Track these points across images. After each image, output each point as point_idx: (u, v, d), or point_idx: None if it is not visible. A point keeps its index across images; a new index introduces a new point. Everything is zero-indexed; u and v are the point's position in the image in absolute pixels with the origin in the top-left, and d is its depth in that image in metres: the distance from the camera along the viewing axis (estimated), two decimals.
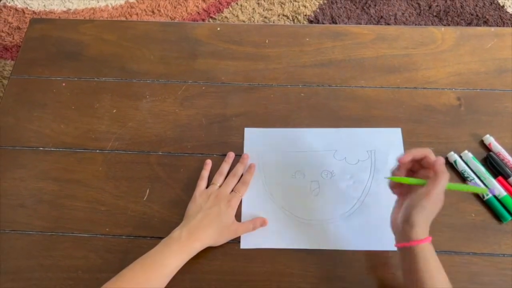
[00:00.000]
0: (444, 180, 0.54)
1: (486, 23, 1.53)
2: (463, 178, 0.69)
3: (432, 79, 0.79)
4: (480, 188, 0.62)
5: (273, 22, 1.57)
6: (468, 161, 0.70)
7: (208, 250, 0.64)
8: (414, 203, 0.54)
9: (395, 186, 0.60)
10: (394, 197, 0.67)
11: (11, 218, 0.68)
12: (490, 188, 0.61)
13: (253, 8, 1.61)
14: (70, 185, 0.71)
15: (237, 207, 0.67)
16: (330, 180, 0.70)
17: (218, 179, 0.69)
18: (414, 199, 0.55)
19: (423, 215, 0.54)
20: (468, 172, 0.69)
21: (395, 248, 0.63)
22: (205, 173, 0.70)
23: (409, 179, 0.57)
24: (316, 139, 0.74)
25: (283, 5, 1.62)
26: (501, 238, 0.65)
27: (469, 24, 1.54)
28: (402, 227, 0.55)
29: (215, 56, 0.83)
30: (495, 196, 0.67)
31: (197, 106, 0.78)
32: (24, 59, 0.84)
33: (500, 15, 1.55)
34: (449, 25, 1.53)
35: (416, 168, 0.60)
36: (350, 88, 0.79)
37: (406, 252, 0.55)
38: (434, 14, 1.57)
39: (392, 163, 0.71)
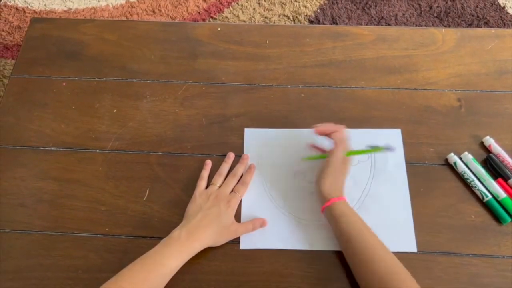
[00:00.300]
0: (340, 148, 0.64)
1: (487, 24, 1.53)
2: (463, 180, 0.69)
3: (432, 80, 0.79)
4: (376, 148, 0.65)
5: (274, 22, 1.57)
6: (468, 162, 0.70)
7: (207, 251, 0.64)
8: (318, 173, 0.66)
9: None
10: (393, 198, 0.68)
11: (11, 218, 0.68)
12: (386, 146, 0.64)
13: (254, 8, 1.61)
14: (70, 185, 0.71)
15: (236, 207, 0.67)
16: None
17: (218, 179, 0.69)
18: (319, 170, 0.66)
19: (327, 180, 0.63)
20: (468, 174, 0.69)
21: (395, 249, 0.63)
22: (205, 173, 0.70)
23: (316, 156, 0.68)
24: (316, 140, 0.73)
25: (283, 5, 1.62)
26: (500, 240, 0.65)
27: (469, 25, 1.54)
28: (316, 195, 0.66)
29: (216, 56, 0.83)
30: (495, 198, 0.67)
31: (197, 106, 0.78)
32: (24, 59, 0.84)
33: (501, 16, 1.55)
34: (449, 26, 1.53)
35: None
36: (350, 89, 0.79)
37: (327, 213, 0.63)
38: (435, 15, 1.57)
39: (392, 164, 0.71)
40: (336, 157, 0.64)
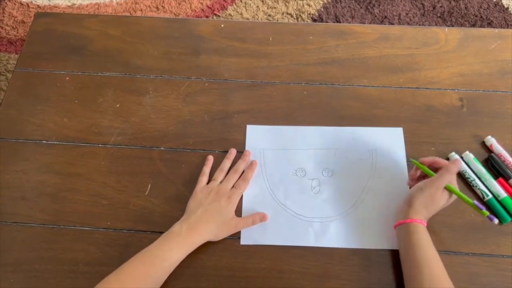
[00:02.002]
0: (446, 175, 0.62)
1: (490, 24, 1.53)
2: (464, 179, 0.69)
3: (434, 79, 0.79)
4: (480, 210, 0.61)
5: (277, 20, 1.57)
6: (469, 162, 0.70)
7: (208, 246, 0.64)
8: (416, 187, 0.63)
9: (413, 179, 0.68)
10: (393, 197, 0.68)
11: (12, 210, 0.69)
12: (489, 215, 0.60)
13: (257, 6, 1.61)
14: (72, 179, 0.71)
15: (237, 203, 0.67)
16: (330, 178, 0.71)
17: (219, 175, 0.69)
18: (417, 185, 0.64)
19: (421, 199, 0.61)
20: (469, 173, 0.69)
21: (394, 247, 0.64)
22: (207, 169, 0.71)
23: (426, 168, 0.65)
24: (318, 137, 0.74)
25: (287, 3, 1.62)
26: (500, 239, 0.65)
27: (473, 25, 1.53)
28: (402, 207, 0.63)
29: (219, 53, 0.83)
30: (495, 197, 0.67)
31: (199, 103, 0.78)
32: (28, 53, 0.84)
33: (504, 17, 1.55)
34: (453, 26, 1.53)
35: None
36: (352, 87, 0.79)
37: (402, 229, 0.61)
38: (438, 15, 1.57)
39: (393, 163, 0.71)
40: (440, 181, 0.61)
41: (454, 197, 0.63)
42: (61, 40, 0.86)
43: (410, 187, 0.67)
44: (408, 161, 0.71)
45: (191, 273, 0.63)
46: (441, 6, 1.58)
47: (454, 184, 0.63)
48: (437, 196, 0.61)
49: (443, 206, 0.63)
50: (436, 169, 0.65)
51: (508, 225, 0.66)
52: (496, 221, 0.61)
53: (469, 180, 0.68)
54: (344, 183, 0.70)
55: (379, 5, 1.59)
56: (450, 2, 1.58)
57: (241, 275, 0.63)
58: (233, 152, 0.72)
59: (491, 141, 0.71)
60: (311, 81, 0.80)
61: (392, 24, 1.55)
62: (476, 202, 0.61)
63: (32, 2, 1.65)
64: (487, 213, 0.60)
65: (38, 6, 1.64)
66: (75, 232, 0.67)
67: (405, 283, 0.59)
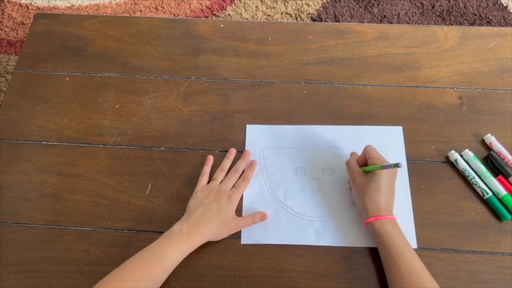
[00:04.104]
0: (347, 167, 0.67)
1: (489, 23, 1.53)
2: (463, 177, 0.69)
3: (434, 78, 0.79)
4: (388, 168, 0.62)
5: (276, 20, 1.58)
6: (469, 160, 0.70)
7: (208, 245, 0.64)
8: (364, 184, 0.64)
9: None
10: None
11: (14, 211, 0.69)
12: (397, 163, 0.60)
13: (256, 6, 1.62)
14: (72, 179, 0.71)
15: (237, 202, 0.67)
16: (331, 177, 0.71)
17: (220, 174, 0.70)
18: (366, 182, 0.64)
19: (383, 197, 0.62)
20: (469, 171, 0.69)
21: None
22: (207, 168, 0.71)
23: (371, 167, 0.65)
24: (318, 137, 0.74)
25: (286, 3, 1.62)
26: (501, 237, 0.65)
27: (472, 24, 1.53)
28: (364, 207, 0.63)
29: (218, 53, 0.83)
30: (495, 195, 0.67)
31: (199, 102, 0.78)
32: (28, 54, 0.85)
33: (503, 16, 1.55)
34: (452, 25, 1.53)
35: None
36: (352, 86, 0.79)
37: (370, 229, 0.63)
38: (437, 14, 1.57)
39: (393, 161, 0.71)
40: (386, 174, 0.63)
41: (378, 173, 0.63)
42: (61, 41, 0.86)
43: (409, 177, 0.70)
44: (407, 159, 0.71)
45: (192, 273, 0.63)
46: (440, 5, 1.58)
47: (377, 160, 0.64)
48: (393, 189, 0.64)
49: (382, 189, 0.62)
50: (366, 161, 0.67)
51: (508, 223, 0.66)
52: (402, 165, 0.60)
53: (469, 178, 0.69)
54: (344, 182, 0.70)
55: (378, 5, 1.59)
56: (449, 1, 1.58)
57: (242, 274, 0.63)
58: (233, 152, 0.73)
59: (491, 139, 0.71)
60: (310, 80, 0.80)
61: (391, 23, 1.55)
62: (382, 166, 0.62)
63: (31, 3, 1.65)
64: (393, 165, 0.60)
65: (38, 8, 1.64)
66: (76, 232, 0.67)
67: (386, 278, 0.60)
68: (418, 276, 0.56)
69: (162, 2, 1.64)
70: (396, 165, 0.60)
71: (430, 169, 0.70)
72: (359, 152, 0.69)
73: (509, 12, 1.56)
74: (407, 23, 1.54)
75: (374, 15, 1.57)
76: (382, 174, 0.63)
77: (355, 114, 0.76)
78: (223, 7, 1.62)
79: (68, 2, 1.65)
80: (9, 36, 1.58)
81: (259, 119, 0.76)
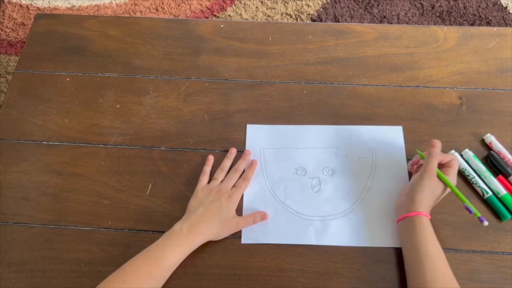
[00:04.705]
0: (430, 158, 0.63)
1: (489, 24, 1.54)
2: (464, 176, 0.69)
3: (434, 78, 0.79)
4: (471, 206, 0.62)
5: (276, 21, 1.58)
6: (469, 159, 0.70)
7: (209, 245, 0.64)
8: (414, 179, 0.64)
9: (413, 164, 0.69)
10: (394, 195, 0.68)
11: (14, 211, 0.69)
12: (480, 217, 0.61)
13: (257, 7, 1.62)
14: (73, 179, 0.71)
15: (238, 202, 0.68)
16: (331, 177, 0.71)
17: (220, 174, 0.70)
18: (415, 177, 0.65)
19: (425, 192, 0.61)
20: (469, 171, 0.69)
21: (395, 245, 0.64)
22: (207, 168, 0.71)
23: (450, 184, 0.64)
24: (318, 136, 0.74)
25: (286, 4, 1.62)
26: (500, 236, 0.65)
27: (471, 25, 1.54)
28: (404, 200, 0.64)
29: (219, 53, 0.84)
30: (495, 195, 0.67)
31: (200, 102, 0.78)
32: (29, 54, 0.85)
33: (503, 16, 1.55)
34: (451, 25, 1.53)
35: None
36: (352, 86, 0.79)
37: (406, 223, 0.61)
38: (437, 14, 1.57)
39: (393, 161, 0.71)
40: (430, 167, 0.62)
41: (446, 185, 0.63)
42: (62, 41, 0.86)
43: (409, 173, 0.70)
44: (407, 159, 0.71)
45: (193, 272, 0.63)
46: (440, 6, 1.58)
47: (452, 176, 0.64)
48: (438, 188, 0.62)
49: (441, 194, 0.63)
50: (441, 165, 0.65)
51: (508, 222, 0.66)
52: (486, 223, 0.60)
53: (469, 177, 0.69)
54: (345, 182, 0.70)
55: (378, 5, 1.59)
56: (449, 2, 1.59)
57: (242, 273, 0.63)
58: (233, 152, 0.73)
59: (491, 138, 0.71)
60: (310, 80, 0.80)
61: (391, 24, 1.55)
62: (466, 205, 0.62)
63: (32, 4, 1.65)
64: (479, 213, 0.61)
65: (38, 8, 1.65)
66: (76, 232, 0.67)
67: (407, 278, 0.59)
68: (443, 280, 0.56)
69: (163, 2, 1.64)
70: (479, 219, 0.60)
71: None
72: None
73: (509, 13, 1.56)
74: (407, 23, 1.55)
75: (374, 16, 1.57)
76: (448, 188, 0.63)
77: (355, 114, 0.76)
78: (223, 8, 1.62)
79: (69, 3, 1.65)
80: (9, 37, 1.58)
81: (259, 119, 0.76)
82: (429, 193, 0.62)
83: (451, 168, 0.64)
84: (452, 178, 0.63)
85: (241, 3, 1.63)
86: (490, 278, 0.62)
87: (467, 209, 0.62)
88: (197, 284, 0.63)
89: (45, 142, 0.75)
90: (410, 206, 0.62)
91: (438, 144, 0.65)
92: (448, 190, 0.64)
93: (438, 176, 0.63)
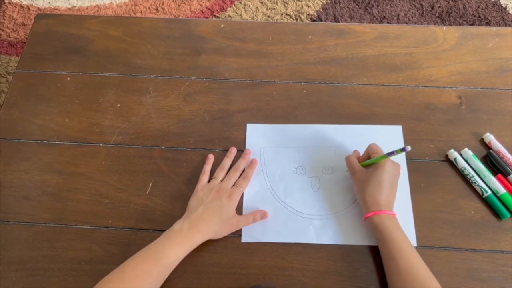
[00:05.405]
0: (347, 162, 0.67)
1: (488, 24, 1.54)
2: (463, 175, 0.70)
3: (433, 77, 0.79)
4: (394, 155, 0.62)
5: (276, 21, 1.58)
6: (468, 158, 0.70)
7: (209, 243, 0.64)
8: (365, 178, 0.65)
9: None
10: None
11: (15, 210, 0.69)
12: (403, 147, 0.60)
13: (257, 7, 1.62)
14: (73, 178, 0.72)
15: (238, 201, 0.68)
16: (330, 176, 0.71)
17: (220, 173, 0.70)
18: (368, 175, 0.65)
19: (385, 191, 0.62)
20: (468, 170, 0.69)
21: None
22: (207, 167, 0.71)
23: (369, 161, 0.66)
24: (318, 135, 0.74)
25: (286, 4, 1.63)
26: (500, 235, 0.65)
27: (471, 25, 1.54)
28: (364, 200, 0.64)
29: (219, 53, 0.84)
30: (494, 194, 0.67)
31: (200, 102, 0.79)
32: (29, 54, 0.85)
33: (502, 17, 1.56)
34: (451, 25, 1.53)
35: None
36: (352, 86, 0.79)
37: (373, 223, 0.62)
38: (437, 15, 1.57)
39: (393, 160, 0.71)
40: (389, 168, 0.63)
41: (380, 168, 0.63)
42: (62, 41, 0.86)
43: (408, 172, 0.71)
44: (406, 158, 0.71)
45: (193, 271, 0.64)
46: (439, 6, 1.58)
47: (380, 153, 0.65)
48: (395, 184, 0.64)
49: (383, 184, 0.63)
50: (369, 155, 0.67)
51: (508, 221, 0.66)
52: (408, 148, 0.60)
53: (468, 177, 0.69)
54: (344, 181, 0.70)
55: (377, 6, 1.59)
56: (448, 2, 1.59)
57: (242, 272, 0.64)
58: (233, 151, 0.73)
59: (490, 138, 0.72)
60: (310, 80, 0.80)
61: (390, 24, 1.55)
62: (387, 153, 0.62)
63: (32, 4, 1.66)
64: (399, 150, 0.61)
65: (38, 9, 1.65)
66: (77, 231, 0.67)
67: (386, 276, 0.60)
68: (416, 271, 0.57)
69: (163, 3, 1.64)
70: (403, 150, 0.60)
71: (430, 168, 0.71)
72: (362, 152, 0.69)
73: (508, 13, 1.57)
74: (407, 24, 1.55)
75: (374, 16, 1.58)
76: (384, 168, 0.63)
77: (355, 113, 0.76)
78: (223, 8, 1.63)
79: (69, 3, 1.65)
80: (10, 37, 1.59)
81: (259, 118, 0.76)
82: (393, 189, 0.64)
83: (375, 153, 0.65)
84: (380, 153, 0.65)
85: (241, 3, 1.63)
86: (489, 277, 0.62)
87: (391, 153, 0.62)
88: (197, 283, 0.63)
89: (45, 142, 0.75)
90: (377, 203, 0.62)
91: (355, 153, 0.70)
92: (385, 173, 0.63)
93: (368, 166, 0.65)
